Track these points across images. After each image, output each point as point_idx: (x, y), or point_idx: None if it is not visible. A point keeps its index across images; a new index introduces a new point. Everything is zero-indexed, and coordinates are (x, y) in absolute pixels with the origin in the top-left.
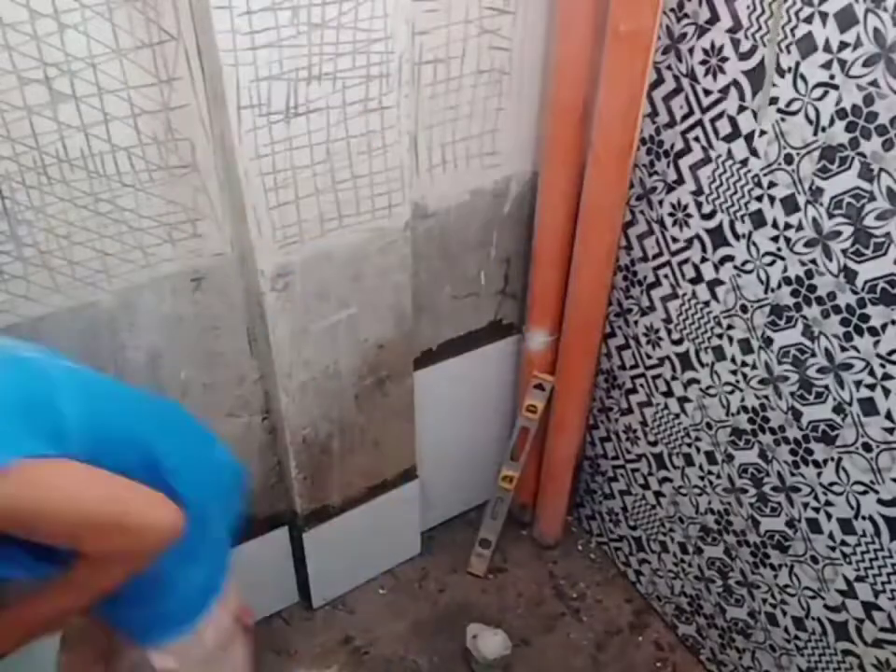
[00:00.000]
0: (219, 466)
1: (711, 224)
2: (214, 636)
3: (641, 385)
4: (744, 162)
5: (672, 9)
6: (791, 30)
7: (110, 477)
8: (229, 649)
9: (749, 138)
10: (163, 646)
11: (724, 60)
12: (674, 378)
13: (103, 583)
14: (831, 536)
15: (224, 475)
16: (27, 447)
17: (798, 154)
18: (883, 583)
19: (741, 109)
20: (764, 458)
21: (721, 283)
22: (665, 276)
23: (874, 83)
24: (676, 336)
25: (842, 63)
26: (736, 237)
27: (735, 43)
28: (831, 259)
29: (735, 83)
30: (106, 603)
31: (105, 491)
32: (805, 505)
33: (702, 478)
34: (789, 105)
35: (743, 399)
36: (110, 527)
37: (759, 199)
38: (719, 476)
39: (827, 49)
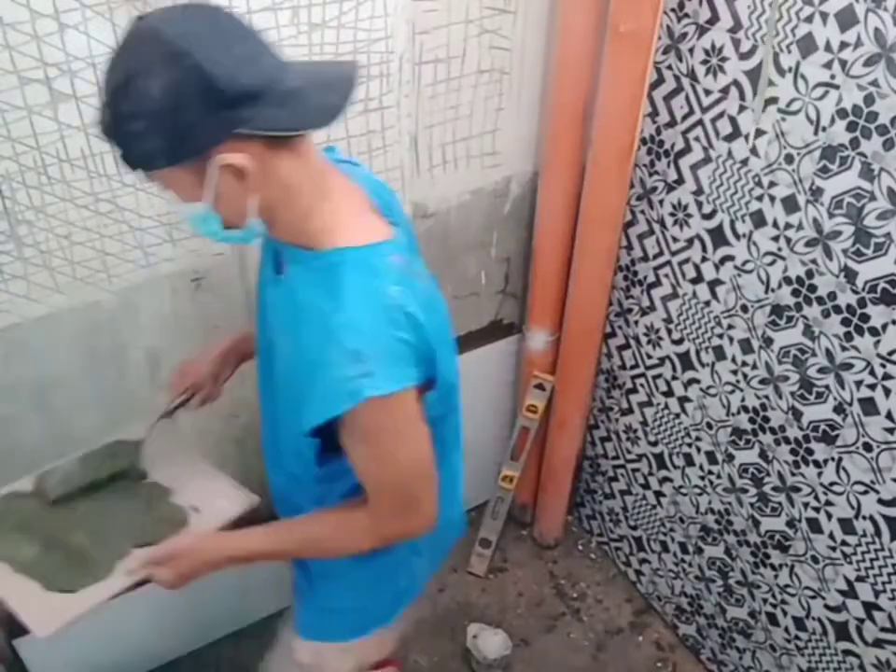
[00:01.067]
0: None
1: (712, 224)
2: (357, 658)
3: (642, 385)
4: (744, 162)
5: (672, 9)
6: (792, 30)
7: (428, 443)
8: None
9: (749, 138)
10: (312, 639)
11: (725, 59)
12: (674, 378)
13: (342, 543)
14: (831, 536)
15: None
16: (411, 375)
17: (798, 154)
18: (883, 583)
19: (741, 109)
20: (765, 458)
21: (721, 283)
22: (666, 276)
23: (874, 83)
24: (676, 336)
25: (842, 62)
26: (737, 237)
27: (736, 43)
28: (831, 259)
29: (736, 83)
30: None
31: (420, 460)
32: (806, 505)
33: (702, 478)
34: (789, 104)
35: (743, 399)
36: (405, 498)
37: (759, 199)
38: (719, 476)
39: (828, 48)
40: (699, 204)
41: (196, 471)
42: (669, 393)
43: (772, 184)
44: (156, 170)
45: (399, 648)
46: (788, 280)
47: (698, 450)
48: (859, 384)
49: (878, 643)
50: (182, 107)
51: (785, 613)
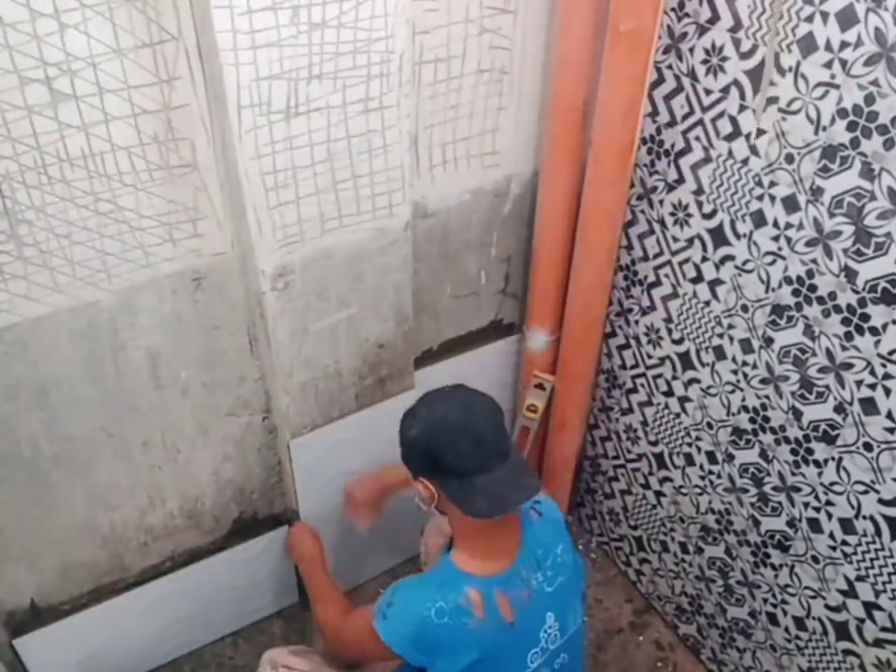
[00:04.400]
0: None
1: (712, 223)
2: None
3: (642, 385)
4: (745, 162)
5: (673, 8)
6: (792, 29)
7: None
8: None
9: (749, 137)
10: None
11: (725, 59)
12: (674, 378)
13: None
14: (831, 535)
15: None
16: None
17: (799, 153)
18: (884, 583)
19: (742, 109)
20: (765, 458)
21: (721, 282)
22: (666, 276)
23: (874, 82)
24: (676, 336)
25: (843, 62)
26: (737, 236)
27: (736, 42)
28: (831, 259)
29: (736, 83)
30: None
31: None
32: (806, 505)
33: (702, 477)
34: (789, 104)
35: (744, 399)
36: None
37: (759, 198)
38: (719, 476)
39: (828, 48)
40: (699, 204)
41: None
42: (669, 393)
43: (772, 183)
44: None
45: None
46: (788, 280)
47: (698, 450)
48: (859, 383)
49: (879, 643)
50: None
51: (785, 613)
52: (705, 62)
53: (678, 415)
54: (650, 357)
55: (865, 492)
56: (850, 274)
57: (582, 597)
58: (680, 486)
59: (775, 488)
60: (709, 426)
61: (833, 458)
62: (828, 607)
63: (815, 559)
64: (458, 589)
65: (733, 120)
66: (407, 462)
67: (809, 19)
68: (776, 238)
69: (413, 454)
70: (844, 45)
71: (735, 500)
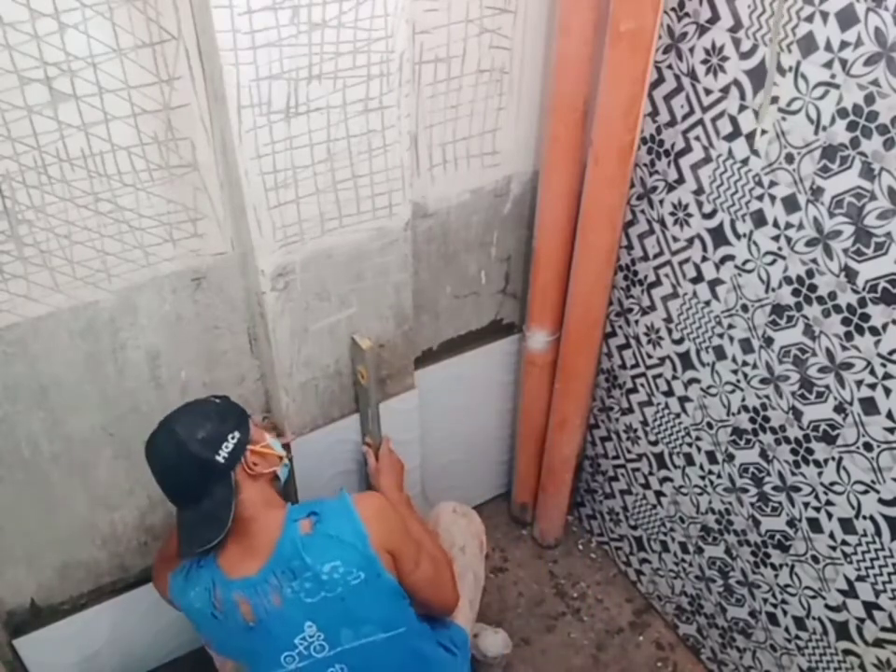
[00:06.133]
0: None
1: (712, 223)
2: None
3: (642, 385)
4: (745, 162)
5: (673, 8)
6: (792, 29)
7: None
8: None
9: (749, 137)
10: None
11: (725, 59)
12: (674, 377)
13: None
14: (831, 535)
15: None
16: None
17: (799, 153)
18: (884, 583)
19: (742, 108)
20: (765, 458)
21: (721, 282)
22: (666, 276)
23: (874, 82)
24: (676, 335)
25: (843, 62)
26: (737, 236)
27: (736, 42)
28: (832, 259)
29: (736, 82)
30: None
31: None
32: (806, 504)
33: (703, 477)
34: (789, 104)
35: (744, 399)
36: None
37: (760, 198)
38: (719, 476)
39: (828, 48)
40: (699, 204)
41: None
42: (669, 392)
43: (772, 183)
44: None
45: None
46: (788, 280)
47: (698, 449)
48: (859, 383)
49: (879, 643)
50: None
51: (785, 613)
52: (705, 61)
53: (678, 415)
54: (650, 356)
55: (865, 492)
56: (850, 274)
57: (389, 620)
58: (680, 486)
59: (775, 488)
60: (709, 425)
61: (833, 458)
62: (828, 607)
63: (815, 559)
64: (207, 584)
65: (733, 120)
66: None
67: (809, 18)
68: (776, 238)
69: None
70: (844, 45)
71: (735, 500)
